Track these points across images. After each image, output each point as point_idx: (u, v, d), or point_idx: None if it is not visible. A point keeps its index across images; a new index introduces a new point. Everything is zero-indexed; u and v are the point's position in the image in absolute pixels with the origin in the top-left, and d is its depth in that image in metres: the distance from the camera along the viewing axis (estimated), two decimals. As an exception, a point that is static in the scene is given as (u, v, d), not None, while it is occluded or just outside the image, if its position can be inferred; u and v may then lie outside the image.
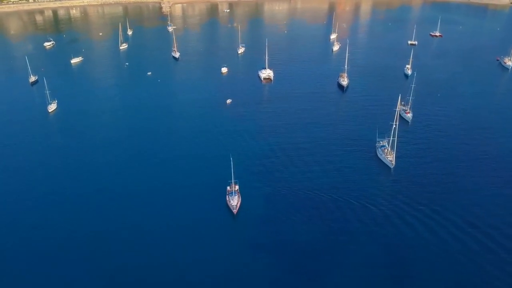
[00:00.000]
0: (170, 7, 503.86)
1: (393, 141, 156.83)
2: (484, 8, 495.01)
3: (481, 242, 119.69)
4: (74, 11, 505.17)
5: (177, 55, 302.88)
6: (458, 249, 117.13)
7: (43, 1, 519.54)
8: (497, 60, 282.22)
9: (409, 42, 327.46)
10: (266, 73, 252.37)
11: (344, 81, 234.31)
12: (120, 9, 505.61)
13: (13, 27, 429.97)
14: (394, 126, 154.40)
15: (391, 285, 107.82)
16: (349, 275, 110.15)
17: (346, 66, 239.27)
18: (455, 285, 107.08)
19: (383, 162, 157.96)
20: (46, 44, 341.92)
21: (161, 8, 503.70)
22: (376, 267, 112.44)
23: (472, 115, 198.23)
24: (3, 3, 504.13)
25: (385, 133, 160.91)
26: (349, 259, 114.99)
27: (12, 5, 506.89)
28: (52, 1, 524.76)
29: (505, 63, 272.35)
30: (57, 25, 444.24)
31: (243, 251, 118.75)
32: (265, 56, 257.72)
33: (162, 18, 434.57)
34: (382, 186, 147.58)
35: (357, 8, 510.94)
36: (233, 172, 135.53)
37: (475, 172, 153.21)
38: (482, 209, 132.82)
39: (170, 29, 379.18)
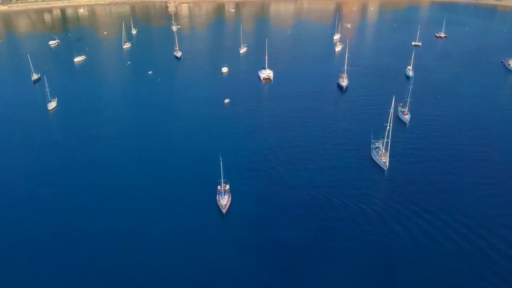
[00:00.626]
0: (176, 6, 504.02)
1: (387, 142, 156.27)
2: (492, 9, 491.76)
3: (473, 243, 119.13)
4: (81, 10, 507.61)
5: (179, 54, 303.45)
6: (451, 250, 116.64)
7: (51, 0, 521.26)
8: (502, 62, 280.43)
9: (413, 43, 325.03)
10: (266, 73, 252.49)
11: (344, 82, 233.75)
12: (127, 8, 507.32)
13: (21, 26, 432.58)
14: (388, 127, 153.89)
15: (383, 285, 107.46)
16: (342, 274, 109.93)
17: (346, 67, 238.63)
18: (447, 285, 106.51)
19: (377, 164, 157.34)
20: (51, 42, 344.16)
21: (167, 7, 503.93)
22: (369, 267, 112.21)
23: (472, 116, 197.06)
24: (12, 2, 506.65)
25: (380, 135, 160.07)
26: (342, 259, 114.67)
27: (21, 4, 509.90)
28: (61, 0, 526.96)
29: (509, 65, 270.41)
30: (64, 24, 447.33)
31: (232, 250, 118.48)
32: (265, 56, 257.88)
33: (168, 17, 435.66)
34: (376, 187, 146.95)
35: (364, 8, 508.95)
36: (224, 172, 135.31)
37: (471, 173, 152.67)
38: (477, 210, 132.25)
39: (174, 28, 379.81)
